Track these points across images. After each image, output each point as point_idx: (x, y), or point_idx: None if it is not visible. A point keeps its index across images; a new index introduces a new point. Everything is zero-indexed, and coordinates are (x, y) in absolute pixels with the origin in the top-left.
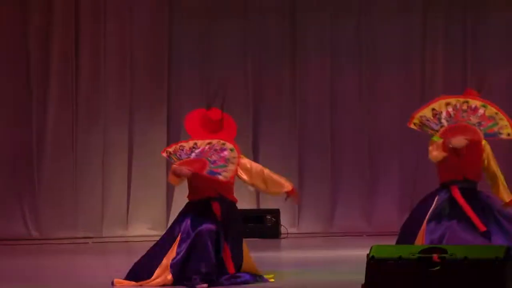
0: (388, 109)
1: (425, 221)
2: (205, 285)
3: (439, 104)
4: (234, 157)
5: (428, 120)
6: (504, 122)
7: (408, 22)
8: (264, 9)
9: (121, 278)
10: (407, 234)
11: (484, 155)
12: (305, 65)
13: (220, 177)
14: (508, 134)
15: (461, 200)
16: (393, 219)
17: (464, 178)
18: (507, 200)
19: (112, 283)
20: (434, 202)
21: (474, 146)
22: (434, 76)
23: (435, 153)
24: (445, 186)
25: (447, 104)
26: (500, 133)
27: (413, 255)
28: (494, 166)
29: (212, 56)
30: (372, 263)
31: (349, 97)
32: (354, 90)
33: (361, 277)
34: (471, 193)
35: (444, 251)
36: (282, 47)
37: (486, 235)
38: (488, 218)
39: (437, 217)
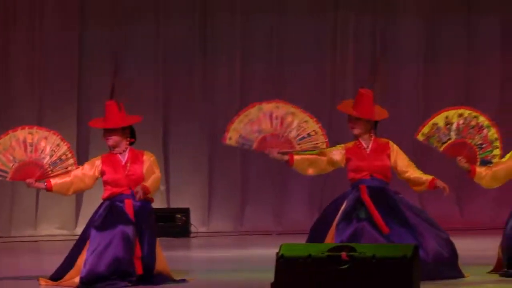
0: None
1: (335, 221)
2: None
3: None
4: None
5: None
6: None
7: (319, 22)
8: (175, 10)
9: (44, 277)
10: (317, 234)
11: (390, 153)
12: (216, 65)
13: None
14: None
15: (367, 201)
16: (302, 218)
17: (371, 177)
18: (429, 180)
19: (39, 282)
20: (345, 202)
21: (380, 146)
22: (344, 75)
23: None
24: (354, 186)
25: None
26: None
27: (322, 253)
28: (404, 160)
29: (123, 57)
30: (282, 261)
31: (259, 96)
32: (265, 90)
33: (270, 276)
34: (380, 192)
35: (353, 249)
36: (192, 47)
37: (390, 237)
38: (395, 217)
39: (347, 217)
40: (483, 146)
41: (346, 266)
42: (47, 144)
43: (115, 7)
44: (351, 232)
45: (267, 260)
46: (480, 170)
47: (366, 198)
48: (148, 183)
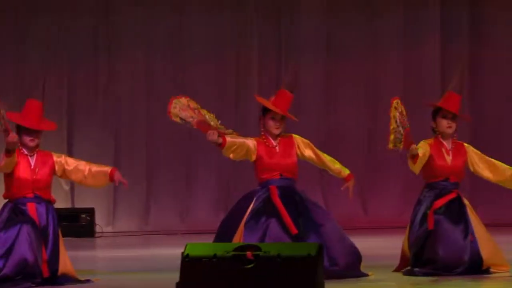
0: (202, 105)
1: (243, 221)
2: None
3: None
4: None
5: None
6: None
7: (223, 19)
8: (78, 6)
9: None
10: (225, 233)
11: (296, 149)
12: (120, 62)
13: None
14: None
15: (277, 201)
16: (208, 218)
17: (281, 176)
18: (346, 173)
19: None
20: (253, 202)
21: (287, 143)
22: (249, 73)
23: None
24: (264, 186)
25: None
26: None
27: (227, 253)
28: (312, 150)
29: (27, 53)
30: (187, 261)
31: (163, 92)
32: (168, 86)
33: (176, 276)
34: (289, 191)
35: (258, 248)
36: (96, 44)
37: (298, 238)
38: (303, 218)
39: (256, 216)
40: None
41: (251, 265)
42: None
43: (16, 3)
44: (259, 231)
45: (172, 259)
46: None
47: (275, 198)
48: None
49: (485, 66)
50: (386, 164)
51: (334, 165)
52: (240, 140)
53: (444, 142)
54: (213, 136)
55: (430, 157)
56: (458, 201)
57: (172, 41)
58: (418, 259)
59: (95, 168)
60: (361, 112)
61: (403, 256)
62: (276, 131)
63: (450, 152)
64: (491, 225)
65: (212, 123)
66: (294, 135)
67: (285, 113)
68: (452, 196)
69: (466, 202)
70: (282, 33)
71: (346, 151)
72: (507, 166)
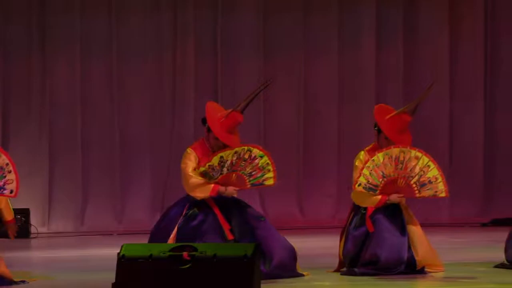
0: (138, 105)
1: (179, 221)
2: None
3: (227, 154)
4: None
5: (213, 169)
6: (270, 174)
7: (159, 18)
8: (10, 4)
9: None
10: (160, 234)
11: None
12: (55, 63)
13: (266, 185)
14: (271, 183)
15: (212, 201)
16: (144, 218)
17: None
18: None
19: None
20: (188, 203)
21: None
22: (184, 72)
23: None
24: None
25: (235, 153)
26: (263, 184)
27: (163, 253)
28: None
29: None
30: (123, 261)
31: (99, 94)
32: (104, 87)
33: (112, 276)
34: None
35: (195, 249)
36: (31, 46)
37: (235, 241)
38: (239, 220)
39: (191, 218)
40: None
41: (187, 266)
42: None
43: None
44: (194, 235)
45: (108, 260)
46: None
47: (211, 201)
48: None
49: (420, 65)
50: (321, 165)
51: None
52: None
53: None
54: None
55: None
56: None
57: (108, 42)
58: (356, 259)
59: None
60: (297, 112)
61: (340, 257)
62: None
63: None
64: (427, 225)
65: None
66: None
67: (235, 145)
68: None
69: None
70: (218, 33)
71: (282, 151)
72: None
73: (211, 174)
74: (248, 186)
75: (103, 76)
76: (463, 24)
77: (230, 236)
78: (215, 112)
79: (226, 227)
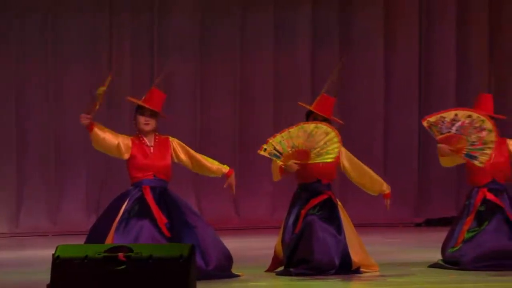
0: (74, 107)
1: (115, 223)
2: None
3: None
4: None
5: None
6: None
7: (95, 19)
8: None
9: None
10: (97, 234)
11: (171, 151)
12: None
13: (476, 162)
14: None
15: (150, 201)
16: (80, 219)
17: (154, 177)
18: (227, 170)
19: None
20: (125, 202)
21: (163, 144)
22: (120, 73)
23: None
24: (137, 185)
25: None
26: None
27: (99, 254)
28: (188, 154)
29: None
30: (58, 262)
31: (34, 94)
32: (40, 89)
33: (47, 277)
34: (162, 192)
35: (130, 250)
36: None
37: (173, 239)
38: (177, 219)
39: (127, 218)
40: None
41: (123, 266)
42: None
43: None
44: (132, 234)
45: (43, 261)
46: None
47: (149, 198)
48: None
49: (355, 66)
50: (257, 165)
51: (213, 164)
52: (110, 135)
53: None
54: (84, 120)
55: None
56: (330, 202)
57: (44, 43)
58: (292, 259)
59: None
60: (233, 111)
61: (275, 257)
62: (146, 127)
63: None
64: (362, 225)
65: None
66: (171, 138)
67: (154, 107)
68: (324, 197)
69: (338, 202)
70: (155, 35)
71: (218, 151)
72: (371, 173)
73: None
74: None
75: (38, 78)
76: (398, 27)
77: (167, 233)
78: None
79: (163, 223)
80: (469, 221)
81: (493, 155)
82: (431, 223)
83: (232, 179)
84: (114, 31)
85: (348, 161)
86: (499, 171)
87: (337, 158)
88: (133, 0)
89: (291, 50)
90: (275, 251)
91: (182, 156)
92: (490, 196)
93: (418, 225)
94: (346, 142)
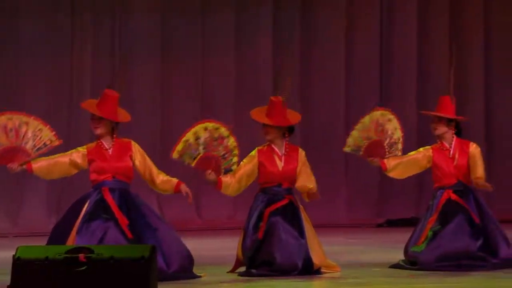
0: (35, 107)
1: (76, 226)
2: None
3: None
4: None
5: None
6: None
7: (56, 21)
8: None
9: None
10: (58, 235)
11: (132, 154)
12: None
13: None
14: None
15: (111, 203)
16: (40, 220)
17: (113, 179)
18: (175, 184)
19: None
20: (86, 205)
21: (122, 146)
22: (82, 75)
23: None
24: (96, 188)
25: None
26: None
27: (59, 255)
28: (146, 161)
29: None
30: (18, 264)
31: None
32: (0, 90)
33: (7, 279)
34: (123, 194)
35: (91, 251)
36: None
37: (134, 241)
38: (138, 221)
39: (88, 221)
40: (226, 156)
41: (83, 268)
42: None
43: None
44: (94, 236)
45: (3, 263)
46: (226, 179)
47: (109, 199)
48: None
49: (316, 67)
50: None
51: (164, 184)
52: (53, 160)
53: (276, 148)
54: (13, 168)
55: (261, 163)
56: (291, 206)
57: (4, 45)
58: (255, 261)
59: None
60: (194, 112)
61: (238, 258)
62: (96, 131)
63: (283, 158)
64: (324, 226)
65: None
66: (133, 142)
67: (101, 113)
68: (284, 202)
69: (299, 205)
70: (116, 35)
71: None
72: (310, 184)
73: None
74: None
75: None
76: (359, 27)
77: (129, 235)
78: None
79: (124, 223)
80: (431, 221)
81: (457, 156)
82: (392, 224)
83: (184, 188)
84: (75, 32)
85: None
86: (463, 172)
87: (295, 162)
88: (94, 1)
89: (252, 49)
90: (238, 253)
91: (137, 162)
92: (454, 197)
93: (379, 225)
94: (307, 141)
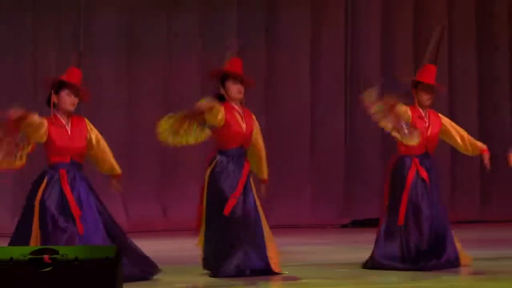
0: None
1: (35, 219)
2: None
3: None
4: None
5: None
6: None
7: (20, 21)
8: None
9: None
10: (21, 235)
11: (87, 133)
12: None
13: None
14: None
15: (67, 192)
16: (3, 221)
17: (71, 160)
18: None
19: None
20: (40, 193)
21: (78, 125)
22: (47, 72)
23: None
24: (53, 168)
25: None
26: None
27: (24, 256)
28: (97, 139)
29: None
30: None
31: None
32: None
33: None
34: (76, 176)
35: (56, 252)
36: None
37: (84, 239)
38: (91, 214)
39: (51, 214)
40: None
41: (48, 269)
42: None
43: None
44: (63, 237)
45: None
46: None
47: (66, 189)
48: None
49: (282, 68)
50: (185, 165)
51: (111, 160)
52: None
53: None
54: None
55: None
56: None
57: None
58: (213, 262)
59: None
60: (160, 112)
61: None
62: (71, 108)
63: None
64: (287, 226)
65: None
66: (86, 120)
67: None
68: None
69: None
70: (81, 34)
71: (144, 152)
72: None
73: None
74: None
75: None
76: (324, 29)
77: (81, 231)
78: None
79: (77, 214)
80: (403, 211)
81: (429, 126)
82: (357, 224)
83: (116, 184)
84: (39, 31)
85: None
86: (432, 143)
87: None
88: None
89: (217, 51)
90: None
91: (93, 137)
92: (422, 173)
93: (344, 226)
94: (273, 142)
